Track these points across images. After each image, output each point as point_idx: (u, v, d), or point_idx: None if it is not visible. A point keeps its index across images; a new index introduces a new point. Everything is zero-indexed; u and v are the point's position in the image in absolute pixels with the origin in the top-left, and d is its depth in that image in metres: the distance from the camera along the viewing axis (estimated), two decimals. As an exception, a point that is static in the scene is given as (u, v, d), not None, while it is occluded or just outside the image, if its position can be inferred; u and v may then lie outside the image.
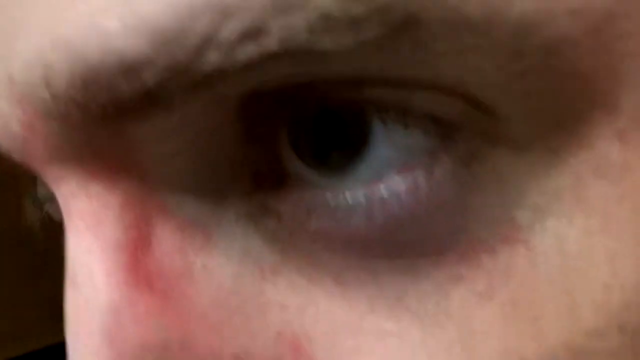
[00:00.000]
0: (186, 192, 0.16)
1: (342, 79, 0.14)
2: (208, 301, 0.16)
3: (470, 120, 0.15)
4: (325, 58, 0.13)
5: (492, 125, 0.15)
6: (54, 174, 0.16)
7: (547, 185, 0.15)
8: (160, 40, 0.13)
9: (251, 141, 0.16)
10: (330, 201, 0.15)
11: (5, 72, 0.14)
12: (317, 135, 0.15)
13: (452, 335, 0.16)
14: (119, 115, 0.14)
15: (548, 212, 0.15)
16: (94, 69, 0.13)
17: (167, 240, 0.16)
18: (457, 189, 0.15)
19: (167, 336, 0.16)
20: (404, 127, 0.15)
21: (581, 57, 0.14)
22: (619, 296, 0.15)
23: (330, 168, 0.15)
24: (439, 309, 0.16)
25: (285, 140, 0.16)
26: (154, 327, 0.16)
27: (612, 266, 0.15)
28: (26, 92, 0.14)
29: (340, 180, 0.15)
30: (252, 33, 0.13)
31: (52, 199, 0.20)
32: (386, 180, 0.15)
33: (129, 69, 0.13)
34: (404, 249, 0.15)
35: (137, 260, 0.16)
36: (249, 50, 0.13)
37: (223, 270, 0.16)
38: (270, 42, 0.13)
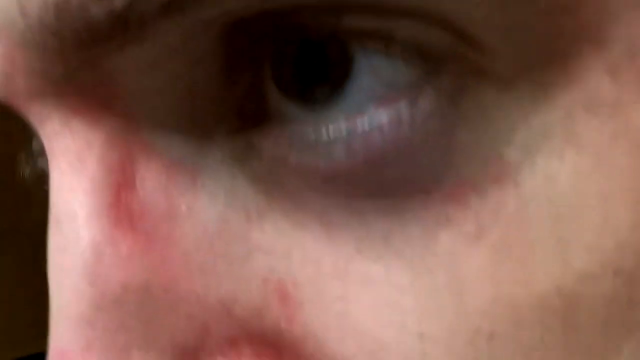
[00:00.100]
0: (171, 132, 0.16)
1: (322, 3, 0.14)
2: (192, 244, 0.16)
3: (455, 53, 0.14)
4: None
5: (478, 59, 0.14)
6: (37, 111, 0.16)
7: (536, 122, 0.15)
8: None
9: (234, 76, 0.16)
10: (311, 135, 0.15)
11: None
12: (299, 69, 0.15)
13: (440, 280, 0.15)
14: (94, 43, 0.14)
15: (537, 150, 0.15)
16: None
17: (151, 181, 0.16)
18: (442, 124, 0.15)
19: (149, 278, 0.16)
20: (386, 59, 0.15)
21: None
22: (612, 238, 0.15)
23: (313, 102, 0.15)
24: (427, 252, 0.15)
25: (268, 75, 0.16)
26: (137, 268, 0.16)
27: (605, 207, 0.15)
28: (4, 24, 0.14)
29: (322, 114, 0.15)
30: None
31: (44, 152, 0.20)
32: (368, 113, 0.15)
33: None
34: (390, 187, 0.15)
35: (120, 200, 0.16)
36: None
37: (208, 212, 0.16)
38: None
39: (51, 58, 0.14)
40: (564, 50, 0.14)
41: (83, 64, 0.15)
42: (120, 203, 0.16)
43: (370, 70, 0.15)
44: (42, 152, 0.21)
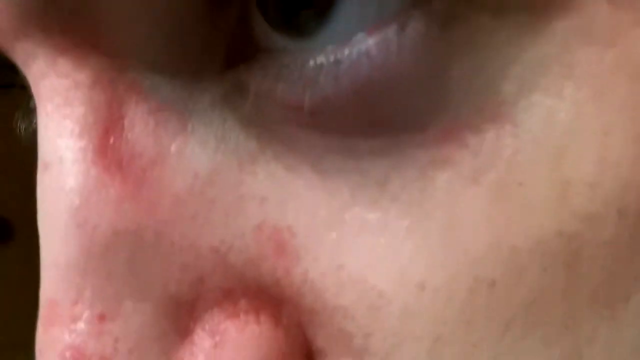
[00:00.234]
0: (160, 72, 0.15)
1: None
2: (183, 189, 0.16)
3: None
4: None
5: None
6: (23, 50, 0.16)
7: (531, 54, 0.14)
8: None
9: (221, 10, 0.15)
10: (298, 66, 0.15)
11: None
12: None
13: (439, 224, 0.15)
14: None
15: (534, 84, 0.14)
16: None
17: (140, 124, 0.16)
18: (432, 53, 0.14)
19: (140, 223, 0.15)
20: None
21: None
22: (614, 175, 0.14)
23: (300, 32, 0.15)
24: (424, 195, 0.15)
25: (253, 4, 0.15)
26: (127, 213, 0.15)
27: (606, 141, 0.14)
28: None
29: (309, 43, 0.15)
30: None
31: None
32: (355, 41, 0.14)
33: None
34: (383, 124, 0.15)
35: (107, 143, 0.15)
36: None
37: (199, 158, 0.16)
38: None
39: None
40: None
41: None
42: (108, 146, 0.15)
43: None
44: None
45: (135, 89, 0.16)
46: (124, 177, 0.15)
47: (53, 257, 0.16)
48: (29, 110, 0.21)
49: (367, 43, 0.14)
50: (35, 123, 0.19)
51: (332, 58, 0.14)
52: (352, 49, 0.14)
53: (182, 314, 0.16)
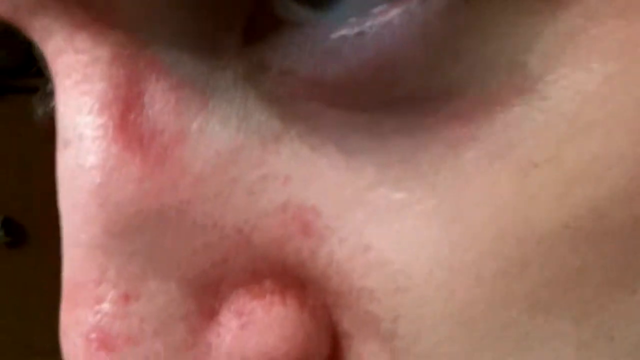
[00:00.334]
0: (180, 48, 0.15)
1: None
2: (206, 168, 0.15)
3: None
4: None
5: None
6: (40, 26, 0.15)
7: (558, 26, 0.14)
8: None
9: None
10: (320, 39, 0.14)
11: None
12: None
13: (467, 203, 0.14)
14: None
15: (562, 58, 0.14)
16: None
17: (160, 101, 0.15)
18: (457, 25, 0.14)
19: (162, 201, 0.15)
20: None
21: None
22: None
23: (321, 3, 0.14)
24: (451, 173, 0.15)
25: None
26: (149, 191, 0.15)
27: (638, 115, 0.14)
28: None
29: (330, 15, 0.14)
30: None
31: None
32: (378, 12, 0.14)
33: None
34: (406, 99, 0.14)
35: (128, 120, 0.15)
36: None
37: (221, 136, 0.15)
38: None
39: None
40: None
41: None
42: (128, 123, 0.15)
43: None
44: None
45: (155, 65, 0.15)
46: (145, 154, 0.15)
47: (75, 237, 0.15)
48: (45, 95, 0.20)
49: (390, 14, 0.14)
50: (52, 107, 0.19)
51: (355, 30, 0.14)
52: (374, 21, 0.14)
53: (207, 294, 0.16)
